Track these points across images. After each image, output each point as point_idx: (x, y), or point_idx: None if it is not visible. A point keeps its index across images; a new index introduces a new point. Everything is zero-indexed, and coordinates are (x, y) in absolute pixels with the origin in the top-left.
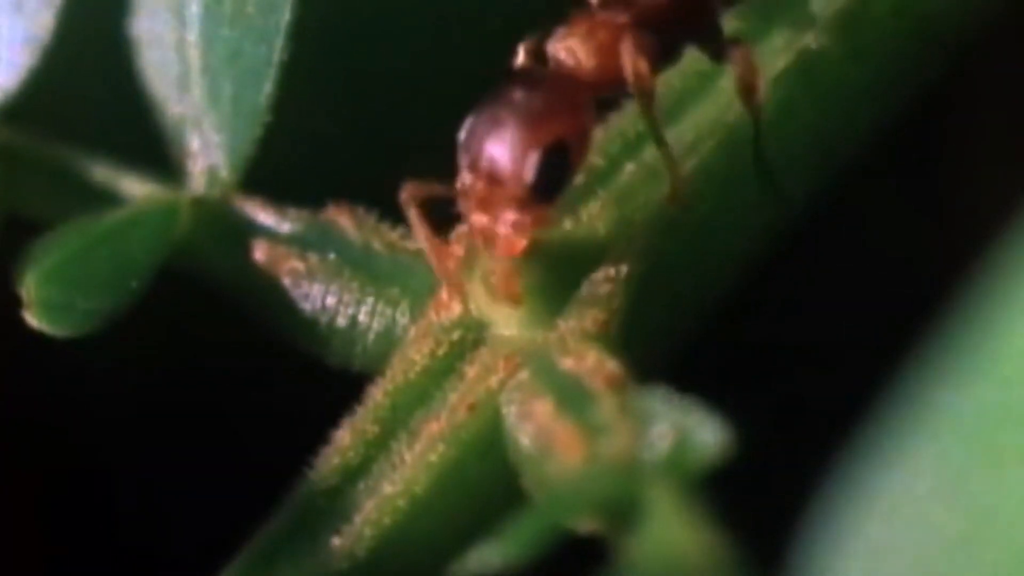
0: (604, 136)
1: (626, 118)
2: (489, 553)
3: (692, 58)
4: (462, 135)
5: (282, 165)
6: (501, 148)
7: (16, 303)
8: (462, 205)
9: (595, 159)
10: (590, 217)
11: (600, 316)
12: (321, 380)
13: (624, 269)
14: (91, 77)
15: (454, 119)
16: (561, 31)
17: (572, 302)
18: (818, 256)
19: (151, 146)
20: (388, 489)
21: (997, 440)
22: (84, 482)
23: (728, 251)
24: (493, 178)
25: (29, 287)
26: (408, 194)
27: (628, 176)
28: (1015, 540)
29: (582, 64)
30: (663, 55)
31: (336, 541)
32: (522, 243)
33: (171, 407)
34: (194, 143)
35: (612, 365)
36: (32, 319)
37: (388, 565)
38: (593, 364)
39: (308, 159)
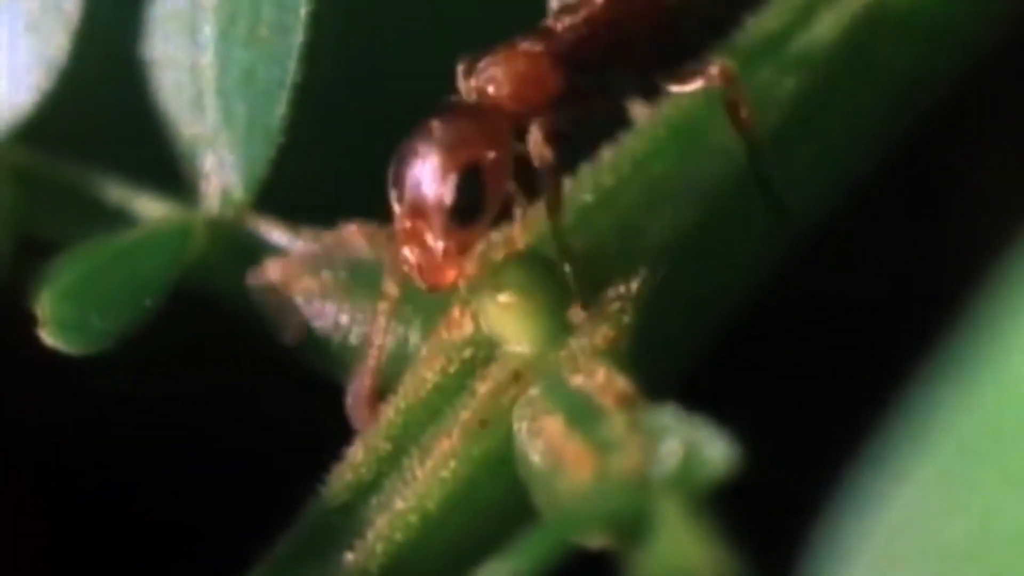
0: (613, 155)
1: (635, 137)
2: (500, 569)
3: None
4: (389, 171)
5: (295, 185)
6: (419, 175)
7: (32, 321)
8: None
9: (606, 178)
10: (600, 235)
11: (610, 333)
12: (334, 397)
13: (634, 286)
14: (106, 98)
15: None
16: (486, 61)
17: (584, 319)
18: (823, 272)
19: (165, 167)
20: (400, 505)
21: (1004, 455)
22: (97, 503)
23: (738, 269)
24: (416, 208)
25: (44, 306)
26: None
27: (639, 195)
28: (1021, 558)
29: (498, 92)
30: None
31: (349, 557)
32: (452, 272)
33: (182, 424)
34: (208, 163)
35: (622, 382)
36: (47, 337)
37: None
38: (603, 381)
39: (321, 179)
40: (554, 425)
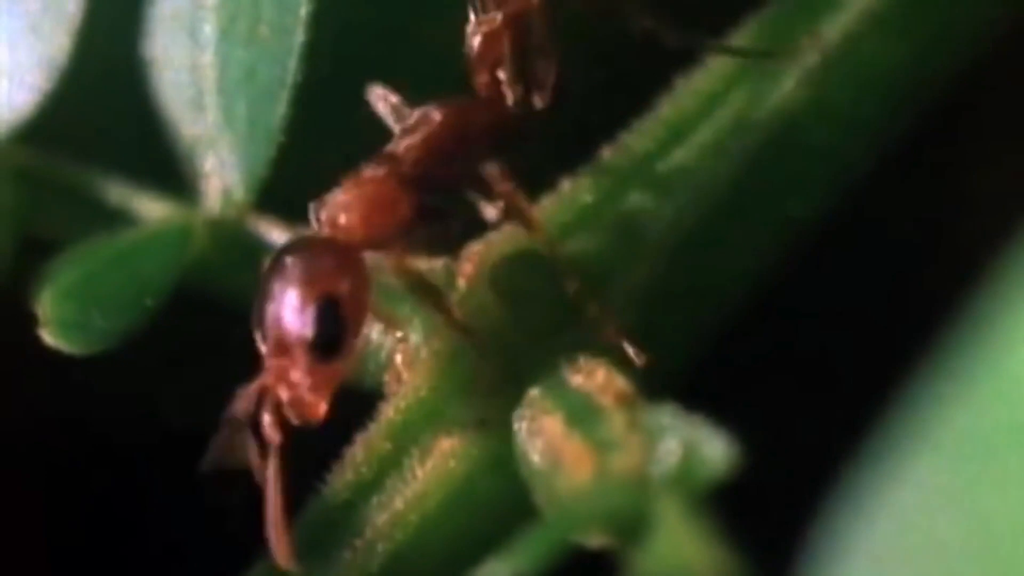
0: (613, 155)
1: (635, 136)
2: (500, 567)
3: (697, 79)
4: (252, 315)
5: (295, 185)
6: (277, 313)
7: (32, 321)
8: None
9: (604, 179)
10: (602, 234)
11: (610, 333)
12: (334, 397)
13: (635, 286)
14: (106, 98)
15: None
16: (332, 192)
17: (583, 319)
18: (823, 272)
19: (165, 167)
20: (400, 504)
21: (1001, 455)
22: (97, 503)
23: (736, 270)
24: (280, 347)
25: (45, 305)
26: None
27: (638, 195)
28: (1018, 554)
29: (348, 220)
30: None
31: (349, 555)
32: (323, 406)
33: (182, 424)
34: (209, 163)
35: (621, 382)
36: (48, 337)
37: None
38: (603, 381)
39: (321, 179)
40: (554, 425)
